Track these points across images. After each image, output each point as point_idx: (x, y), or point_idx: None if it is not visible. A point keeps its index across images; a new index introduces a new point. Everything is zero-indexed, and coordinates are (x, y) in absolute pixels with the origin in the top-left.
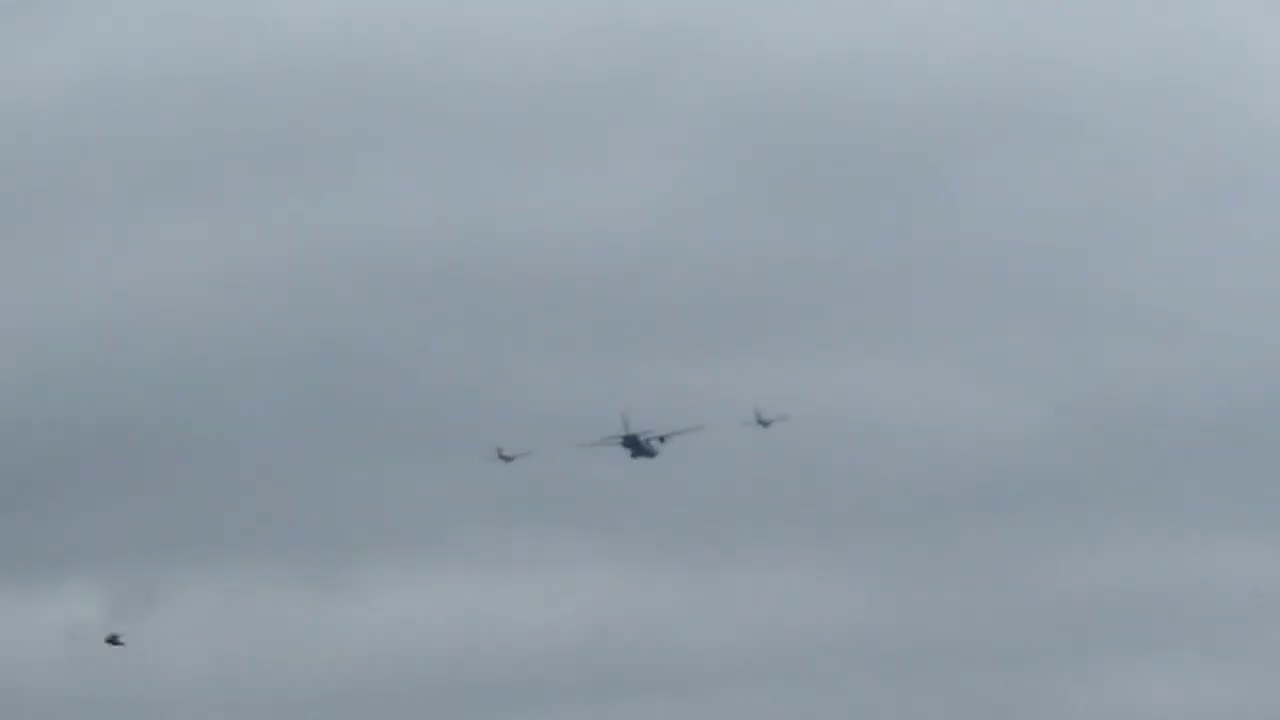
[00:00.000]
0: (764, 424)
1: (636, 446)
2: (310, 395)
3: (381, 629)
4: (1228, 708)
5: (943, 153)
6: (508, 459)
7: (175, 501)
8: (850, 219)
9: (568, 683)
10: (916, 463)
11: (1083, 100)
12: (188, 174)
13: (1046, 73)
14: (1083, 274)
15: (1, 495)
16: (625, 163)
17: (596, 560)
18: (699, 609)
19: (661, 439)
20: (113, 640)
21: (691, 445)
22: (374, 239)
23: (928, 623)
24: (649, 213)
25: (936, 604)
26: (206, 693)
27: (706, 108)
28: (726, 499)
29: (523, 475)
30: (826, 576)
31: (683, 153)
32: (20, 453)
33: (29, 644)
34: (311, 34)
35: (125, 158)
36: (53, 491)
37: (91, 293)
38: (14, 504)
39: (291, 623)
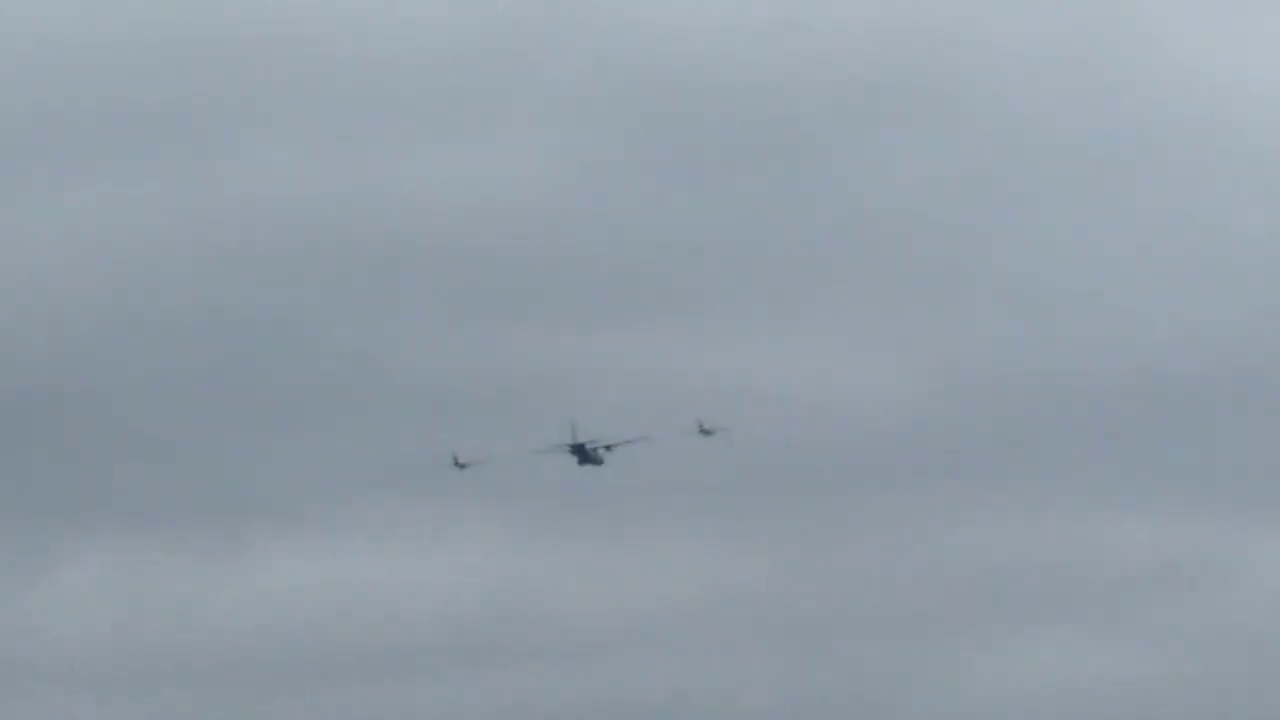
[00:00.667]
0: (706, 433)
1: (583, 454)
2: (201, 363)
3: (271, 598)
4: (1116, 677)
5: (831, 124)
6: (462, 466)
7: (66, 469)
8: (736, 191)
9: (459, 651)
10: (808, 433)
11: (968, 74)
12: (74, 142)
13: (933, 45)
14: (970, 247)
15: None
16: (511, 132)
17: (489, 530)
18: (591, 577)
19: (608, 448)
20: None
21: (637, 453)
22: (262, 209)
23: (819, 592)
24: (536, 182)
25: (828, 573)
26: (95, 659)
27: (592, 77)
28: (618, 467)
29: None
30: (720, 545)
31: (569, 122)
32: None
33: None
34: (200, 3)
35: (10, 126)
36: None
37: None
38: None
39: (182, 591)
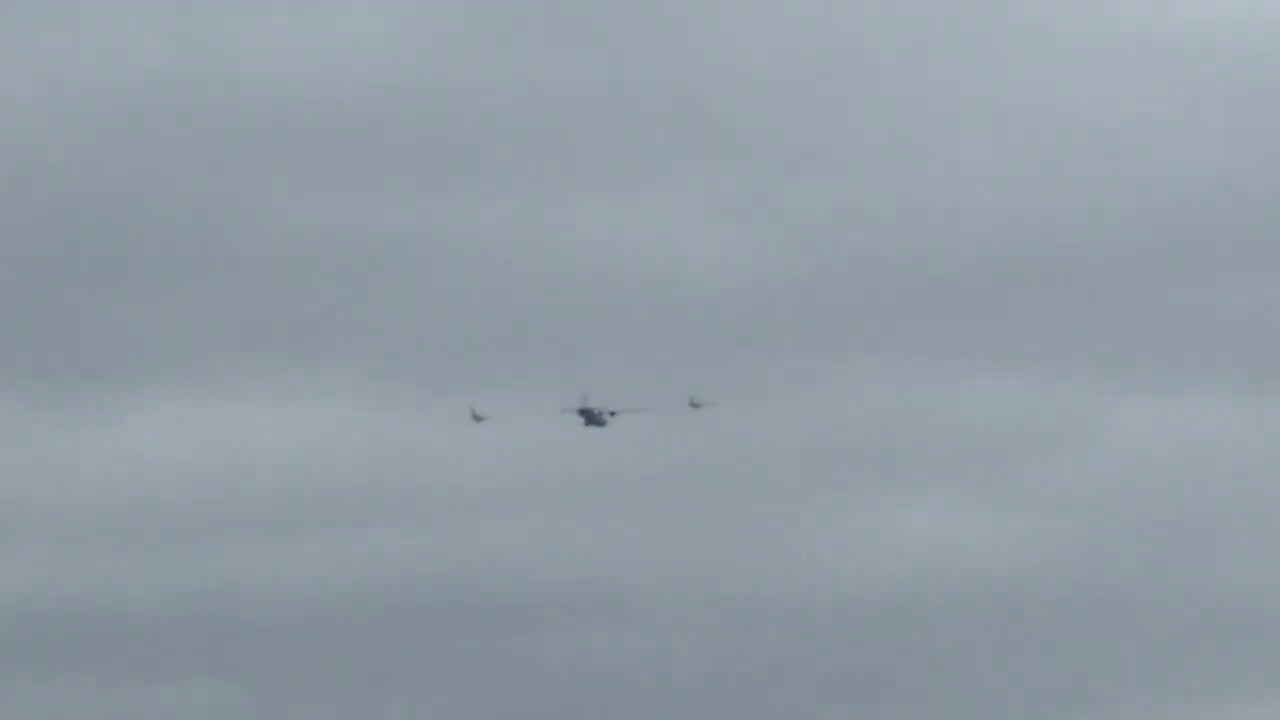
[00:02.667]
0: (696, 407)
1: (590, 417)
2: (61, 225)
3: (131, 459)
4: (976, 538)
5: None
6: (479, 419)
7: None
8: (584, 53)
9: (325, 513)
10: (660, 300)
11: None
12: None
13: None
14: (822, 111)
15: None
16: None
17: (354, 393)
18: (453, 444)
19: (612, 413)
20: None
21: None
22: (103, 77)
23: (678, 459)
24: (375, 50)
25: (688, 442)
26: None
27: None
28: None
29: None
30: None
31: None
32: None
33: None
34: None
35: None
36: None
37: None
38: None
39: (39, 452)
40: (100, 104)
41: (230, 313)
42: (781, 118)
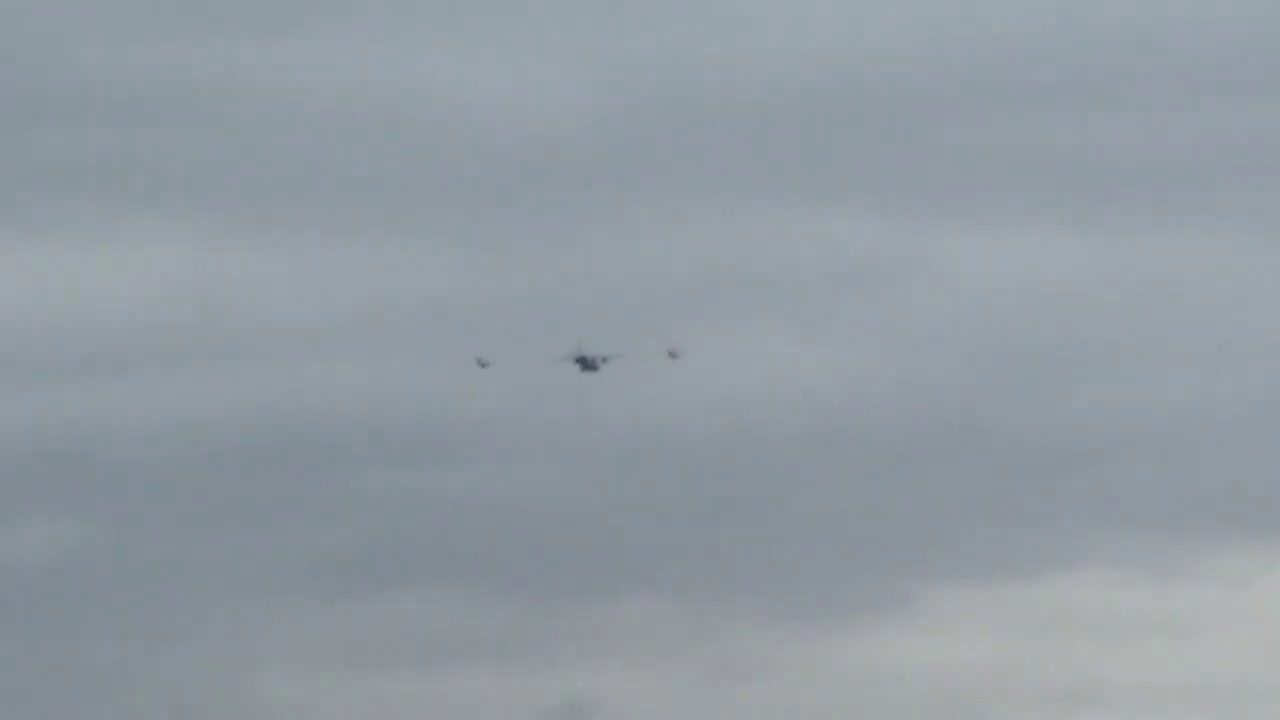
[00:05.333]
0: (673, 357)
1: (585, 363)
2: None
3: None
4: (807, 375)
5: None
6: (484, 365)
7: None
8: None
9: (152, 352)
10: (485, 140)
11: None
12: None
13: None
14: None
15: None
16: None
17: (184, 233)
18: (285, 280)
19: (604, 359)
20: None
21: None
22: None
23: (508, 296)
24: None
25: (518, 282)
26: None
27: None
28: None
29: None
30: (410, 248)
31: None
32: None
33: None
34: None
35: None
36: None
37: None
38: None
39: None
40: None
41: (58, 160)
42: None
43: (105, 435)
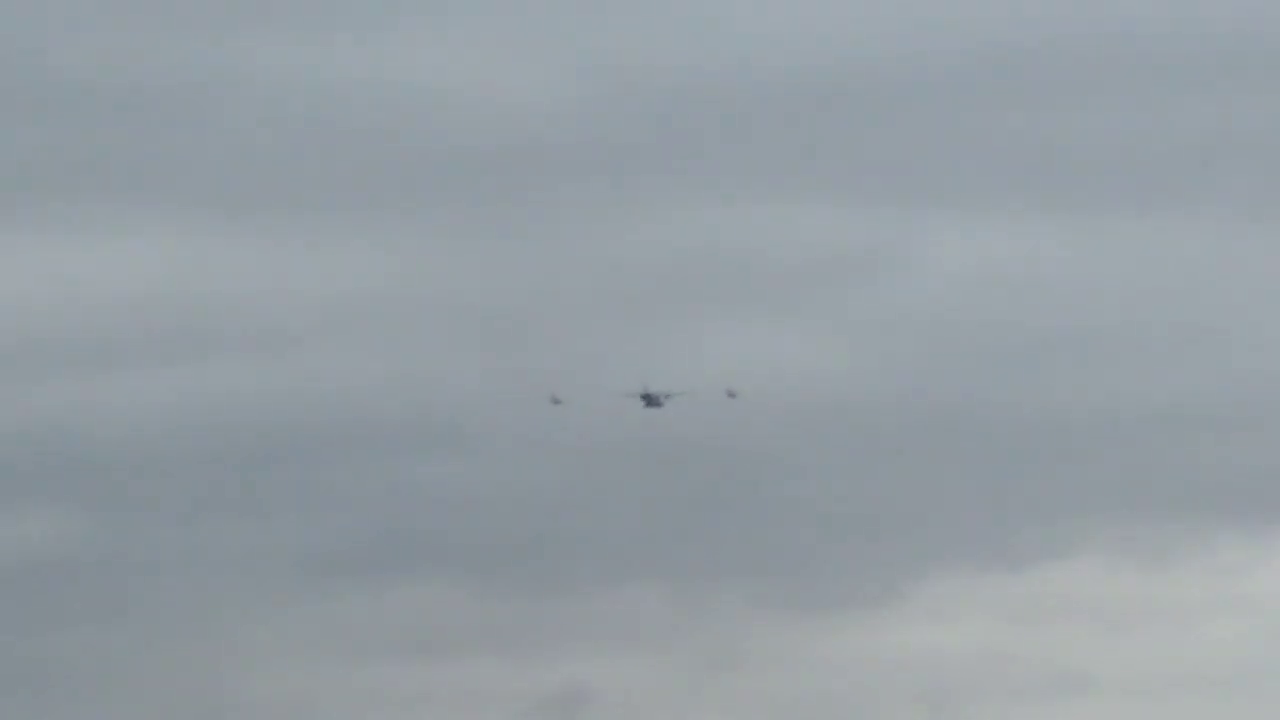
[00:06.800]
0: (732, 396)
1: (649, 400)
2: None
3: None
4: (797, 364)
5: None
6: (557, 403)
7: None
8: None
9: (153, 347)
10: (476, 129)
11: None
12: None
13: None
14: None
15: None
16: None
17: (178, 228)
18: (277, 268)
19: (668, 396)
20: None
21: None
22: None
23: (500, 283)
24: None
25: (510, 265)
26: None
27: None
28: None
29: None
30: (398, 241)
31: None
32: None
33: None
34: None
35: None
36: None
37: None
38: None
39: None
40: None
41: (50, 156)
42: None
43: (99, 428)
